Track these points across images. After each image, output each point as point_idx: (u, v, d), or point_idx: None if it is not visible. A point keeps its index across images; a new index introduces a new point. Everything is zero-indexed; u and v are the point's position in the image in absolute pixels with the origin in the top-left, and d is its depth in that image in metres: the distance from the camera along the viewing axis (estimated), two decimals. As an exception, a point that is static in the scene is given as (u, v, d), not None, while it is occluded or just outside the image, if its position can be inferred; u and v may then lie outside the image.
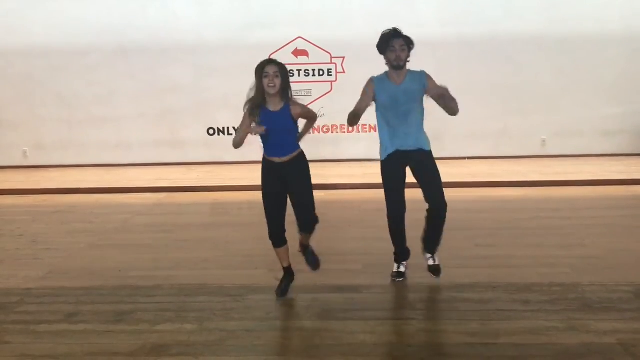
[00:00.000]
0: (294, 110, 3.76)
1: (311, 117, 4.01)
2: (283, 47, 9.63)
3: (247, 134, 3.79)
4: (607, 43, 9.53)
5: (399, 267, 4.31)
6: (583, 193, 7.46)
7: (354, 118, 3.91)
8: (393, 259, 4.33)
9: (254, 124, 3.74)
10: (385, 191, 4.11)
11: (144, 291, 4.25)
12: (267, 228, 3.94)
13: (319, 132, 9.86)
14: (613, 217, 6.25)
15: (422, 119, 4.07)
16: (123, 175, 9.24)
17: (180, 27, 9.66)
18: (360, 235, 5.62)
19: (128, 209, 7.07)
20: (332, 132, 9.89)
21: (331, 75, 9.85)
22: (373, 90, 4.00)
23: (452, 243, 5.13)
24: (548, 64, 9.66)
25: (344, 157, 9.60)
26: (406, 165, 4.07)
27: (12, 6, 9.61)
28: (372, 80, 4.06)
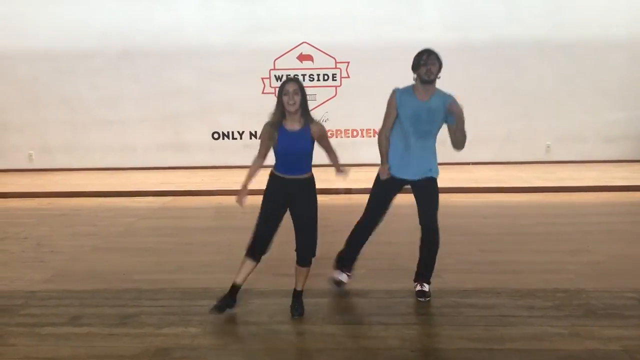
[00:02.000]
0: (314, 130, 3.67)
1: (329, 149, 3.93)
2: (288, 51, 9.65)
3: (242, 195, 3.79)
4: (611, 48, 9.52)
5: (340, 275, 4.29)
6: (587, 199, 7.44)
7: (383, 142, 3.99)
8: (334, 263, 4.33)
9: (244, 200, 3.78)
10: (370, 198, 4.12)
11: (148, 294, 4.26)
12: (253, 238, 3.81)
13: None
14: (617, 223, 6.23)
15: (435, 146, 3.99)
16: (127, 178, 9.26)
17: (185, 31, 9.69)
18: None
19: (132, 213, 7.08)
20: (337, 137, 9.88)
21: (336, 80, 9.86)
22: (395, 102, 3.89)
23: (457, 248, 5.13)
24: (552, 69, 9.65)
25: (348, 161, 9.50)
26: (403, 186, 4.02)
27: (18, 9, 9.64)
28: (394, 92, 3.93)
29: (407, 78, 3.97)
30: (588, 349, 3.29)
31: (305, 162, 3.74)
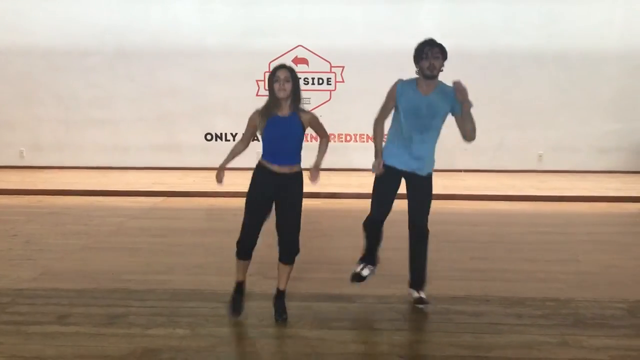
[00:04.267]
0: (304, 117, 3.67)
1: (323, 134, 3.89)
2: (283, 54, 9.65)
3: (220, 175, 3.80)
4: (606, 60, 9.59)
5: (362, 269, 4.17)
6: (579, 209, 7.48)
7: (378, 132, 3.94)
8: (359, 258, 4.23)
9: (222, 179, 3.78)
10: (373, 193, 3.99)
11: (137, 295, 4.24)
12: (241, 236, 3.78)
13: (317, 141, 9.85)
14: (608, 234, 6.26)
15: (436, 141, 3.89)
16: (119, 178, 9.22)
17: (181, 32, 9.68)
18: (355, 244, 5.57)
19: (123, 212, 7.05)
20: (331, 142, 9.84)
21: (330, 84, 9.87)
22: (395, 93, 3.80)
23: (447, 255, 5.14)
24: (546, 79, 9.70)
25: (340, 166, 9.58)
26: (402, 178, 3.93)
27: (13, 5, 9.60)
28: (397, 83, 3.84)
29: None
30: (576, 358, 3.30)
31: (294, 149, 3.69)
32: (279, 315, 3.80)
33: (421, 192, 3.91)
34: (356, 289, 4.29)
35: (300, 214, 3.73)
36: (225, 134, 10.06)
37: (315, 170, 3.76)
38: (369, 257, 4.20)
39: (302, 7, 9.59)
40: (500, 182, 8.91)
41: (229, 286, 4.35)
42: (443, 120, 3.82)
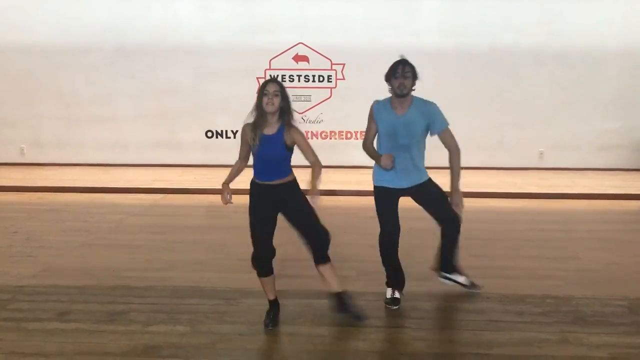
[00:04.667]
0: (288, 135, 3.49)
1: (312, 159, 3.59)
2: (284, 52, 9.65)
3: (225, 192, 3.64)
4: (607, 58, 9.57)
5: (393, 293, 4.03)
6: (579, 206, 7.47)
7: (370, 147, 3.91)
8: (385, 283, 4.12)
9: (227, 196, 3.62)
10: (378, 212, 3.94)
11: (137, 292, 4.25)
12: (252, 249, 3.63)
13: (317, 138, 9.88)
14: (608, 231, 6.26)
15: (423, 153, 3.89)
16: (119, 175, 9.22)
17: (181, 30, 9.67)
18: (355, 241, 5.62)
19: (123, 209, 7.05)
20: (330, 139, 9.89)
21: (331, 81, 9.86)
22: (373, 114, 3.84)
23: (447, 252, 5.13)
24: (547, 77, 9.68)
25: (340, 163, 9.57)
26: (401, 195, 3.89)
27: (13, 3, 9.60)
28: (373, 104, 3.87)
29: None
30: (576, 355, 3.30)
31: (281, 167, 3.60)
32: (357, 319, 3.71)
33: (431, 196, 3.90)
34: (356, 286, 4.29)
35: (312, 209, 3.59)
36: (226, 132, 10.06)
37: (314, 194, 3.53)
38: (394, 280, 4.06)
39: (303, 4, 9.56)
40: (501, 180, 8.91)
41: (229, 283, 4.38)
42: (424, 136, 3.82)
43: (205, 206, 7.43)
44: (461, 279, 4.18)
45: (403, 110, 3.74)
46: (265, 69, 9.71)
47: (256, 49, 9.54)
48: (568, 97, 9.74)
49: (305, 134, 3.62)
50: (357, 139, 9.87)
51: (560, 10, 9.47)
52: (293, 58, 9.71)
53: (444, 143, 3.87)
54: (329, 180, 8.82)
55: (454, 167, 3.91)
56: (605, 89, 9.71)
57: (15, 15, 9.61)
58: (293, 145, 3.55)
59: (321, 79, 9.84)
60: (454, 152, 3.88)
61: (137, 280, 4.47)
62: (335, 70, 9.81)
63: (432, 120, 3.76)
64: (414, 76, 3.70)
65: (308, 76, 9.81)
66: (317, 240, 3.66)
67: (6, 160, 10.11)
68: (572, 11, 9.46)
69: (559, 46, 9.53)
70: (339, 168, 9.23)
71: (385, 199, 3.90)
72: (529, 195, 7.95)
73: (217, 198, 7.41)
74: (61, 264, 4.91)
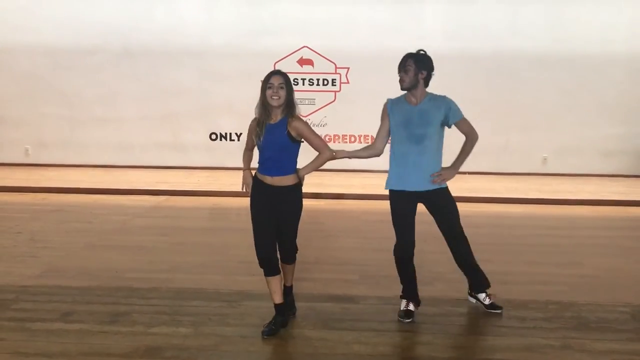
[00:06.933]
0: (292, 125, 3.44)
1: (321, 147, 3.58)
2: (288, 55, 9.67)
3: (247, 178, 3.72)
4: (611, 63, 9.57)
5: (407, 305, 3.88)
6: (582, 212, 7.46)
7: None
8: (400, 295, 4.00)
9: (246, 183, 3.72)
10: (393, 222, 3.85)
11: (140, 293, 4.25)
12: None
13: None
14: (611, 238, 6.25)
15: (440, 148, 3.82)
16: (123, 176, 9.25)
17: (186, 32, 9.70)
18: (358, 245, 5.62)
19: (127, 211, 7.07)
20: (334, 142, 9.89)
21: (335, 85, 9.88)
22: (387, 111, 3.80)
23: (450, 257, 5.12)
24: (551, 82, 9.69)
25: (344, 167, 9.58)
26: (417, 201, 3.84)
27: (20, 4, 9.65)
28: (386, 102, 3.84)
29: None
30: (579, 361, 3.30)
31: (283, 160, 3.50)
32: (289, 309, 3.80)
33: (442, 208, 3.84)
34: (359, 289, 4.30)
35: (297, 224, 3.63)
36: (230, 134, 10.08)
37: (301, 173, 3.57)
38: (408, 292, 3.95)
39: (308, 8, 9.60)
40: (504, 185, 8.90)
41: (232, 285, 4.38)
42: (438, 131, 3.76)
43: (208, 208, 7.44)
44: (486, 300, 4.04)
45: (418, 101, 3.74)
46: (270, 72, 9.72)
47: (261, 51, 9.56)
48: (572, 101, 9.74)
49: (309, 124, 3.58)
50: (361, 142, 9.88)
51: (565, 15, 9.49)
52: (297, 61, 9.73)
53: (462, 131, 3.83)
54: (332, 183, 8.88)
55: (466, 149, 3.87)
56: (609, 94, 9.70)
57: (21, 16, 9.66)
58: (299, 139, 3.51)
59: (325, 82, 9.86)
60: (472, 137, 3.84)
61: (140, 282, 4.48)
62: (339, 73, 9.83)
63: (448, 110, 3.73)
64: (420, 69, 3.69)
65: (312, 80, 9.83)
66: (286, 252, 3.71)
67: (11, 161, 10.15)
68: (577, 16, 9.48)
69: (564, 51, 9.54)
70: (343, 172, 9.24)
71: (399, 204, 3.80)
72: (532, 201, 7.94)
73: (220, 200, 7.47)
74: (65, 265, 4.92)
